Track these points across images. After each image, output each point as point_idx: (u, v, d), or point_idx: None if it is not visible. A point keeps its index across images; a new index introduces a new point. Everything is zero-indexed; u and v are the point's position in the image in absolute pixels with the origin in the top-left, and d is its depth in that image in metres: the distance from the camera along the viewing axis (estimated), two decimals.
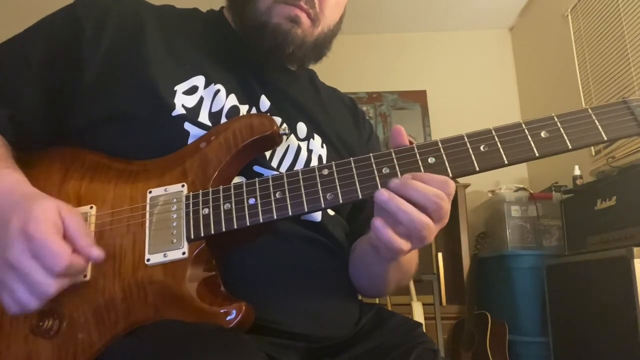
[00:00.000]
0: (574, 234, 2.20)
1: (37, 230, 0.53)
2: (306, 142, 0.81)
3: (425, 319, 2.13)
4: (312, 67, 0.93)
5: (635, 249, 1.70)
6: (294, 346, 0.67)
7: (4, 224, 0.55)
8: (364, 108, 3.35)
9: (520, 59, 3.45)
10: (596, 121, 0.60)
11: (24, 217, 0.54)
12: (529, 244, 2.56)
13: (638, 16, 2.28)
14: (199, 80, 0.75)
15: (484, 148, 0.60)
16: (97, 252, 0.58)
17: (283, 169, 0.75)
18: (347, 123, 0.93)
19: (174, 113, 0.70)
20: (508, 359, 2.31)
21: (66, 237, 0.56)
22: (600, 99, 2.51)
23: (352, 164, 0.62)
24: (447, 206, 0.59)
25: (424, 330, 0.81)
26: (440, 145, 0.61)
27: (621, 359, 1.73)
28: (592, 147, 2.48)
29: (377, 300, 2.25)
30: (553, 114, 0.61)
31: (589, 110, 0.61)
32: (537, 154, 0.60)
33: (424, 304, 2.19)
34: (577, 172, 2.38)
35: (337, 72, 3.18)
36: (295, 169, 0.76)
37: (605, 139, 0.60)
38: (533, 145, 0.60)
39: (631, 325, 1.66)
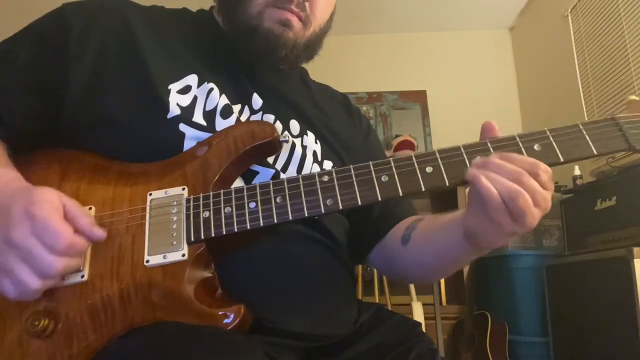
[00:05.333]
0: (574, 234, 2.20)
1: (39, 211, 0.55)
2: (300, 138, 0.81)
3: (425, 319, 2.14)
4: (311, 66, 0.94)
5: (635, 249, 1.69)
6: (293, 345, 0.67)
7: (4, 210, 0.56)
8: (364, 108, 3.35)
9: (520, 59, 3.44)
10: (587, 136, 0.63)
11: (26, 201, 0.56)
12: (529, 244, 2.55)
13: (638, 16, 2.28)
14: (192, 79, 0.75)
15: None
16: (98, 232, 0.59)
17: (279, 166, 0.76)
18: (340, 118, 0.93)
19: (169, 115, 0.70)
20: (508, 359, 2.31)
21: (67, 219, 0.57)
22: (600, 99, 2.51)
23: (352, 171, 0.64)
24: (531, 183, 0.57)
25: (424, 330, 0.82)
26: (437, 155, 0.63)
27: (621, 359, 1.73)
28: None
29: (377, 300, 2.26)
30: (546, 129, 0.64)
31: (580, 126, 0.64)
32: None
33: (424, 304, 2.20)
34: (577, 172, 2.38)
35: (337, 72, 3.19)
36: (290, 165, 0.77)
37: (595, 153, 0.62)
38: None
39: (631, 325, 1.66)
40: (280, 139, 0.70)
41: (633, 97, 0.68)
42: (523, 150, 0.62)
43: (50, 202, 0.57)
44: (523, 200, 0.56)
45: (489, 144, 0.63)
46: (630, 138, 0.62)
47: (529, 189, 0.56)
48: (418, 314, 2.13)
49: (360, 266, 2.24)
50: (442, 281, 2.75)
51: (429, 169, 0.62)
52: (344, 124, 0.93)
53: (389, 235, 0.86)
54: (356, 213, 0.86)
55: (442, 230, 0.74)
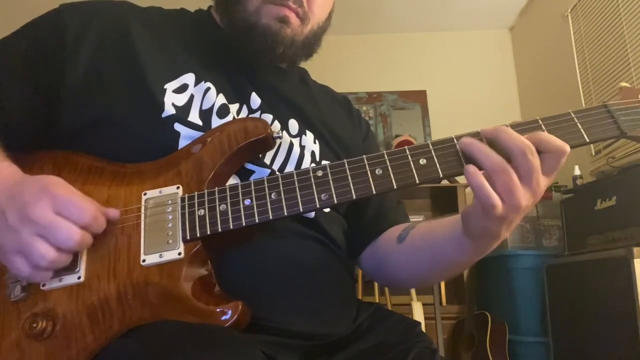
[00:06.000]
0: (574, 234, 2.19)
1: (60, 190, 0.58)
2: (298, 138, 0.81)
3: (425, 319, 2.13)
4: (310, 66, 0.94)
5: (635, 249, 1.69)
6: (291, 344, 0.67)
7: (15, 194, 0.57)
8: (364, 108, 3.35)
9: (520, 59, 3.44)
10: (578, 124, 0.62)
11: (41, 183, 0.58)
12: (529, 244, 2.55)
13: (638, 16, 2.28)
14: (189, 78, 0.75)
15: None
16: (114, 210, 0.62)
17: (276, 166, 0.76)
18: (340, 118, 0.93)
19: (164, 114, 0.70)
20: (508, 359, 2.31)
21: None
22: (600, 99, 2.51)
23: (346, 166, 0.63)
24: (534, 161, 0.56)
25: (424, 330, 0.82)
26: (431, 147, 0.63)
27: (621, 359, 1.73)
28: (592, 147, 2.48)
29: (377, 300, 2.26)
30: (538, 118, 0.63)
31: (572, 114, 0.63)
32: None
33: (424, 304, 2.20)
34: (577, 172, 2.38)
35: (338, 72, 3.19)
36: (288, 165, 0.77)
37: (588, 140, 0.62)
38: None
39: (631, 325, 1.66)
40: (274, 135, 0.70)
41: (624, 84, 0.68)
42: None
43: (65, 184, 0.59)
44: (506, 177, 0.56)
45: (481, 135, 0.62)
46: (621, 125, 0.62)
47: (530, 164, 0.56)
48: (418, 314, 2.12)
49: None
50: (442, 281, 2.75)
51: (422, 161, 0.62)
52: (343, 124, 0.93)
53: (383, 237, 0.86)
54: (352, 214, 0.86)
55: (441, 226, 0.74)
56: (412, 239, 0.79)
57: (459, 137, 0.62)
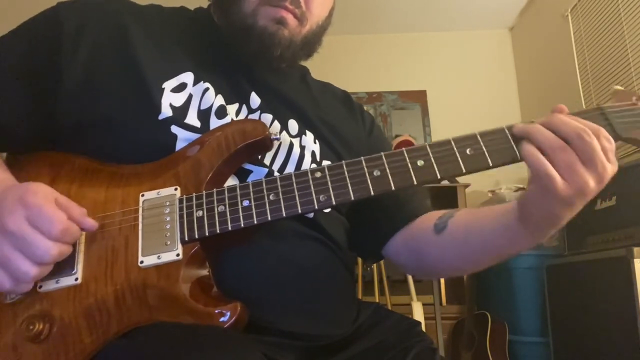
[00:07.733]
0: (574, 234, 2.19)
1: (33, 199, 0.56)
2: (298, 138, 0.80)
3: (425, 319, 2.14)
4: (311, 65, 0.93)
5: (635, 249, 1.69)
6: (291, 345, 0.66)
7: None
8: (364, 108, 3.36)
9: (520, 59, 3.44)
10: None
11: (19, 191, 0.57)
12: None
13: (638, 16, 2.27)
14: (187, 77, 0.74)
15: (469, 151, 0.63)
16: (90, 221, 0.60)
17: (276, 166, 0.75)
18: (341, 116, 0.92)
19: (161, 117, 0.69)
20: (508, 359, 2.31)
21: (60, 209, 0.58)
22: (600, 99, 2.51)
23: (344, 167, 0.64)
24: (593, 144, 0.56)
25: (424, 330, 0.81)
26: (428, 148, 0.64)
27: (621, 359, 1.73)
28: None
29: (377, 300, 2.26)
30: (533, 120, 0.63)
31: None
32: (519, 158, 0.62)
33: (424, 304, 2.20)
34: None
35: (338, 72, 3.19)
36: (288, 166, 0.76)
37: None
38: (515, 148, 0.62)
39: (631, 325, 1.65)
40: (272, 137, 0.70)
41: (617, 87, 0.69)
42: (510, 139, 0.62)
43: (43, 192, 0.58)
44: (566, 155, 0.56)
45: (478, 137, 0.63)
46: (616, 127, 0.63)
47: (588, 146, 0.56)
48: (418, 314, 2.13)
49: (360, 266, 2.24)
50: (442, 281, 2.75)
51: (420, 163, 0.63)
52: (344, 121, 0.91)
53: (415, 227, 0.84)
54: (359, 211, 0.85)
55: (489, 215, 0.73)
56: (454, 229, 0.77)
57: (456, 140, 0.63)
